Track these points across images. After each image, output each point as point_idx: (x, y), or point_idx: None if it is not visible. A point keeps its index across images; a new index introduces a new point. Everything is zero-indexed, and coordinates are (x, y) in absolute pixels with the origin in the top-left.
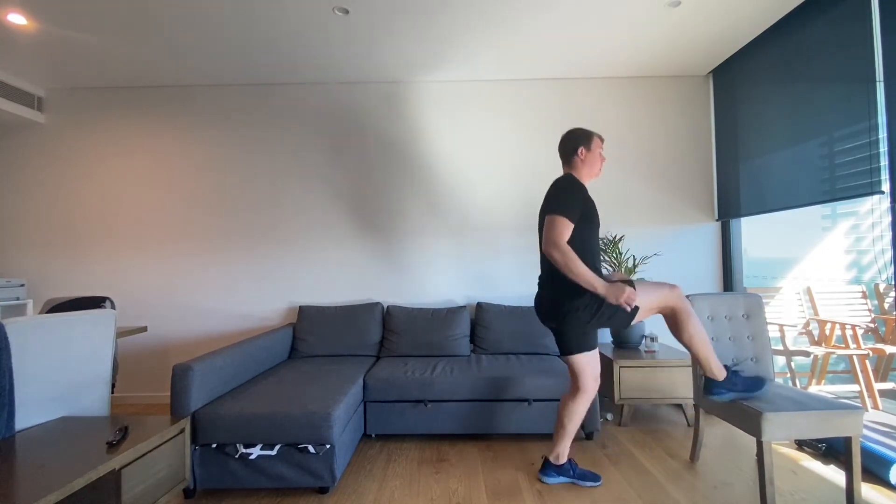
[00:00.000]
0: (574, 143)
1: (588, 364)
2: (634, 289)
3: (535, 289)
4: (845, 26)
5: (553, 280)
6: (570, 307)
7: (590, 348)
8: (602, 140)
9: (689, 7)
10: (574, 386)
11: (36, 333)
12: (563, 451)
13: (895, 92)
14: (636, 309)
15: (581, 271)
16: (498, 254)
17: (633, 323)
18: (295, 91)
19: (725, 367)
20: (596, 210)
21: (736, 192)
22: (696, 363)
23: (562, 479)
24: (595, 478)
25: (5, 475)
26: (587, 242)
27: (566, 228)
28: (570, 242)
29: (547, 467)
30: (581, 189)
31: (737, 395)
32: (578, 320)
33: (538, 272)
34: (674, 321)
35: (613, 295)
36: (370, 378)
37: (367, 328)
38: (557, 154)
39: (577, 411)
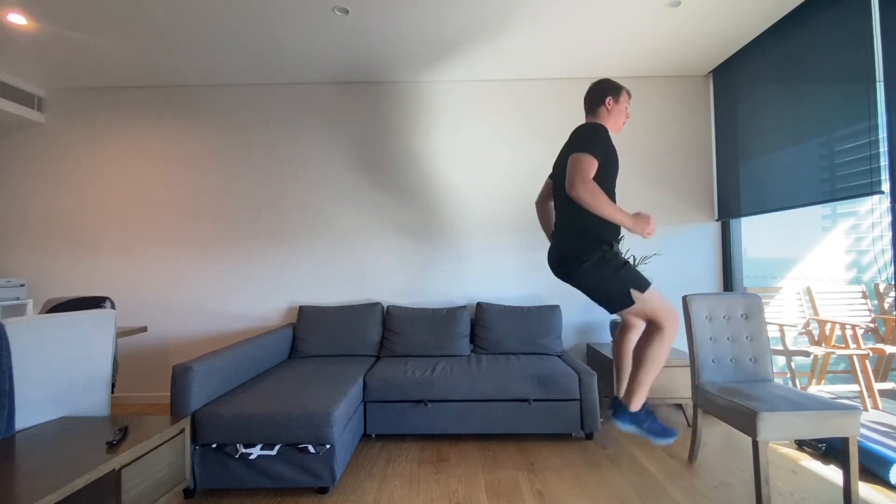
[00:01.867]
0: (603, 91)
1: (659, 298)
2: (650, 284)
3: (535, 289)
4: (845, 26)
5: (577, 230)
6: (597, 256)
7: (647, 284)
8: (630, 96)
9: (689, 7)
10: (653, 326)
11: (36, 333)
12: (638, 398)
13: (895, 92)
14: (628, 296)
15: (610, 208)
16: (498, 254)
17: (618, 311)
18: (295, 91)
19: (645, 404)
20: (617, 157)
21: (736, 192)
22: (630, 380)
23: (633, 427)
24: (669, 433)
25: (5, 475)
26: (607, 189)
27: (592, 166)
28: None
29: (620, 411)
30: (606, 133)
31: (637, 430)
32: (613, 266)
33: (538, 272)
34: (650, 336)
35: (640, 226)
36: (370, 378)
37: (367, 328)
38: (556, 153)
39: (659, 355)
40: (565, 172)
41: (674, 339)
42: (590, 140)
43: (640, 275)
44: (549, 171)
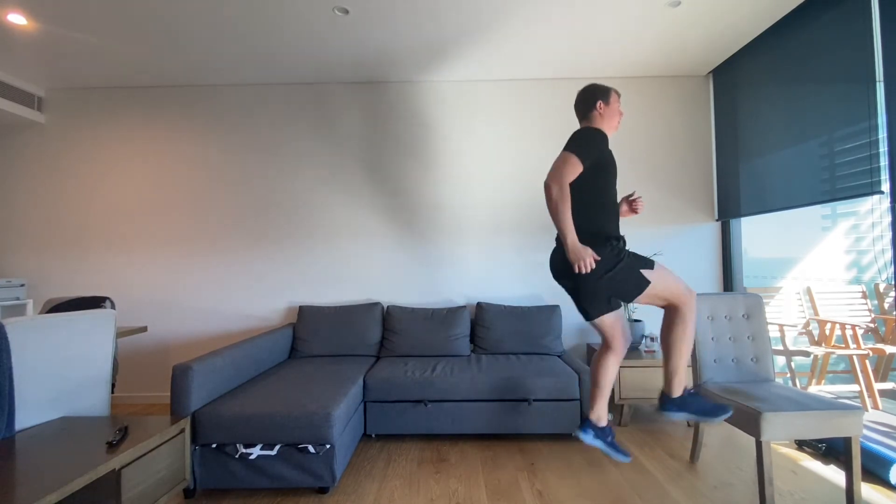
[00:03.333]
0: (592, 98)
1: (613, 324)
2: (653, 267)
3: (535, 289)
4: (845, 26)
5: (586, 234)
6: (608, 255)
7: (610, 310)
8: (619, 95)
9: (689, 7)
10: (604, 344)
11: (36, 333)
12: (602, 413)
13: (895, 92)
14: (645, 284)
15: (564, 216)
16: (498, 254)
17: (635, 300)
18: (294, 91)
19: (685, 388)
20: (614, 160)
21: (736, 192)
22: (664, 370)
23: (598, 442)
24: (626, 454)
25: (5, 475)
26: (603, 191)
27: (574, 169)
28: (585, 190)
29: (587, 425)
30: (602, 137)
31: (687, 415)
32: (593, 275)
33: (538, 272)
34: (672, 319)
35: (576, 254)
36: (370, 378)
37: (367, 328)
38: (557, 153)
39: (608, 368)
40: None
41: (619, 360)
42: (580, 142)
43: (613, 301)
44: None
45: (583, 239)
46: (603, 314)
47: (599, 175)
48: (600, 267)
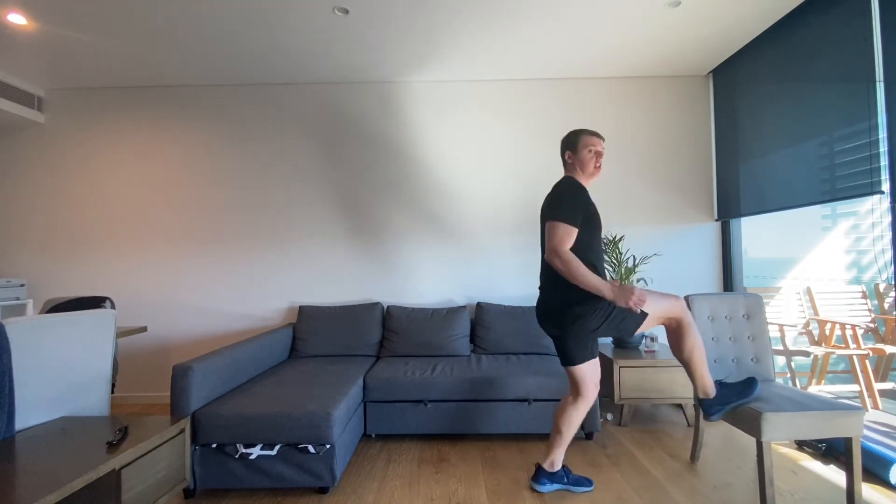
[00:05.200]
0: (562, 148)
1: (590, 373)
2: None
3: (535, 289)
4: (845, 26)
5: (557, 285)
6: (576, 313)
7: (592, 356)
8: (593, 136)
9: (689, 7)
10: (574, 392)
11: (36, 333)
12: (557, 458)
13: (895, 92)
14: (644, 315)
15: (586, 277)
16: (498, 254)
17: (638, 332)
18: (295, 91)
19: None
20: (597, 212)
21: (736, 192)
22: (692, 380)
23: (555, 486)
24: (588, 483)
25: (5, 475)
26: (590, 246)
27: (568, 234)
28: (572, 246)
29: (540, 474)
30: (580, 191)
31: (733, 405)
32: (584, 327)
33: (538, 272)
34: (677, 333)
35: (622, 298)
36: (370, 378)
37: (367, 328)
38: (557, 154)
39: (576, 418)
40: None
41: (588, 407)
42: (558, 204)
43: (594, 347)
44: (549, 170)
45: (572, 299)
46: (586, 360)
47: (583, 230)
48: (593, 322)
